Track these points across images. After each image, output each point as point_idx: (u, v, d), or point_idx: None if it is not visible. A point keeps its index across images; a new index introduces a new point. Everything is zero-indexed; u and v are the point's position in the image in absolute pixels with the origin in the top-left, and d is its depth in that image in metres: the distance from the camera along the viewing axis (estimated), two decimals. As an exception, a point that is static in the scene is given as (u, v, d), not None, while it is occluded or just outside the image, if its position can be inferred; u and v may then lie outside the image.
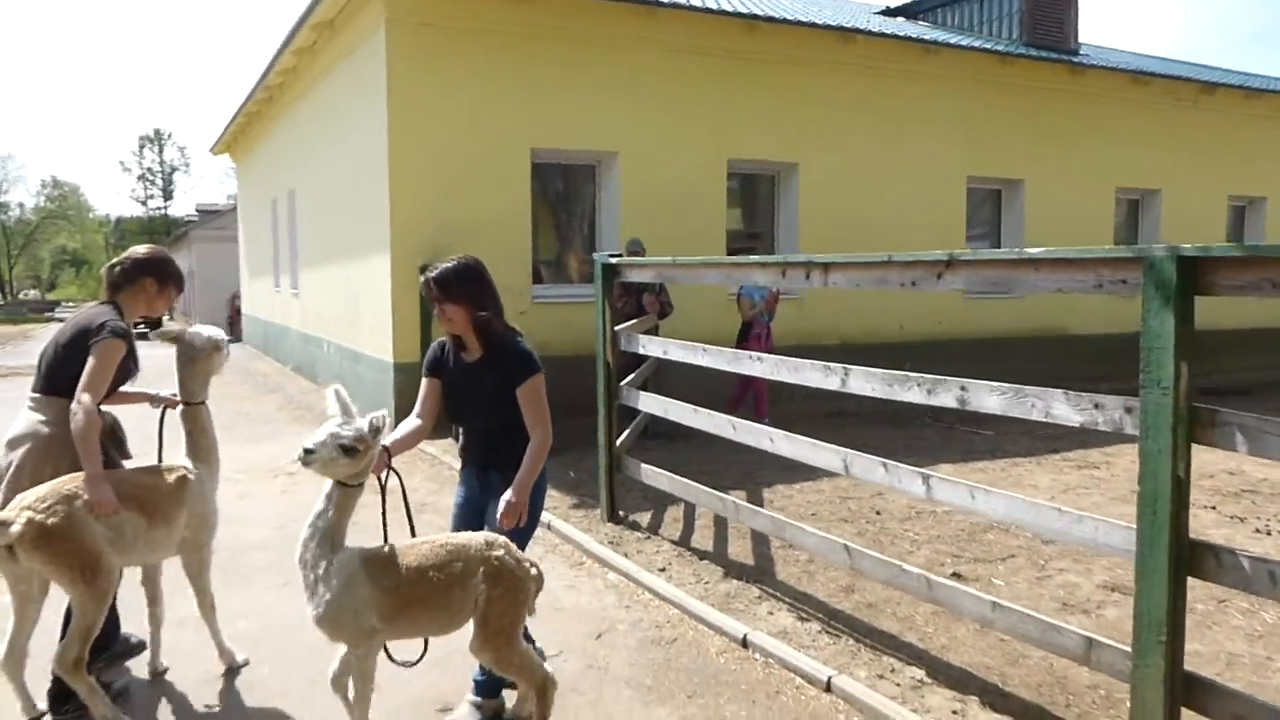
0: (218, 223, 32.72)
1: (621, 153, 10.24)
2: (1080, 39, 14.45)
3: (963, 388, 3.41)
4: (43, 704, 3.43)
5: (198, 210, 43.66)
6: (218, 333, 3.81)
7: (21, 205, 68.53)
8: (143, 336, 3.75)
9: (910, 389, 3.64)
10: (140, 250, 3.78)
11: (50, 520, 3.09)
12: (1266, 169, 14.97)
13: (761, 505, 6.52)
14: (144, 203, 68.13)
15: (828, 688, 3.66)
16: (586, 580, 5.07)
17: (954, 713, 3.45)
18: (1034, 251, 3.09)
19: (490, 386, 3.29)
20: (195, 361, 3.75)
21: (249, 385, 14.08)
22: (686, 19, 10.28)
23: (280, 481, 7.38)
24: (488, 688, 3.43)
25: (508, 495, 3.18)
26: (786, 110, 11.06)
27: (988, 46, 12.35)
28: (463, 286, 3.28)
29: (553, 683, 3.19)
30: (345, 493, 2.96)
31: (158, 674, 3.84)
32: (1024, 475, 7.44)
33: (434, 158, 9.38)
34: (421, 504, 6.45)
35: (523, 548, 3.27)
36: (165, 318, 30.43)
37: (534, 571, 3.16)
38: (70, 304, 55.57)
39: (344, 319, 11.69)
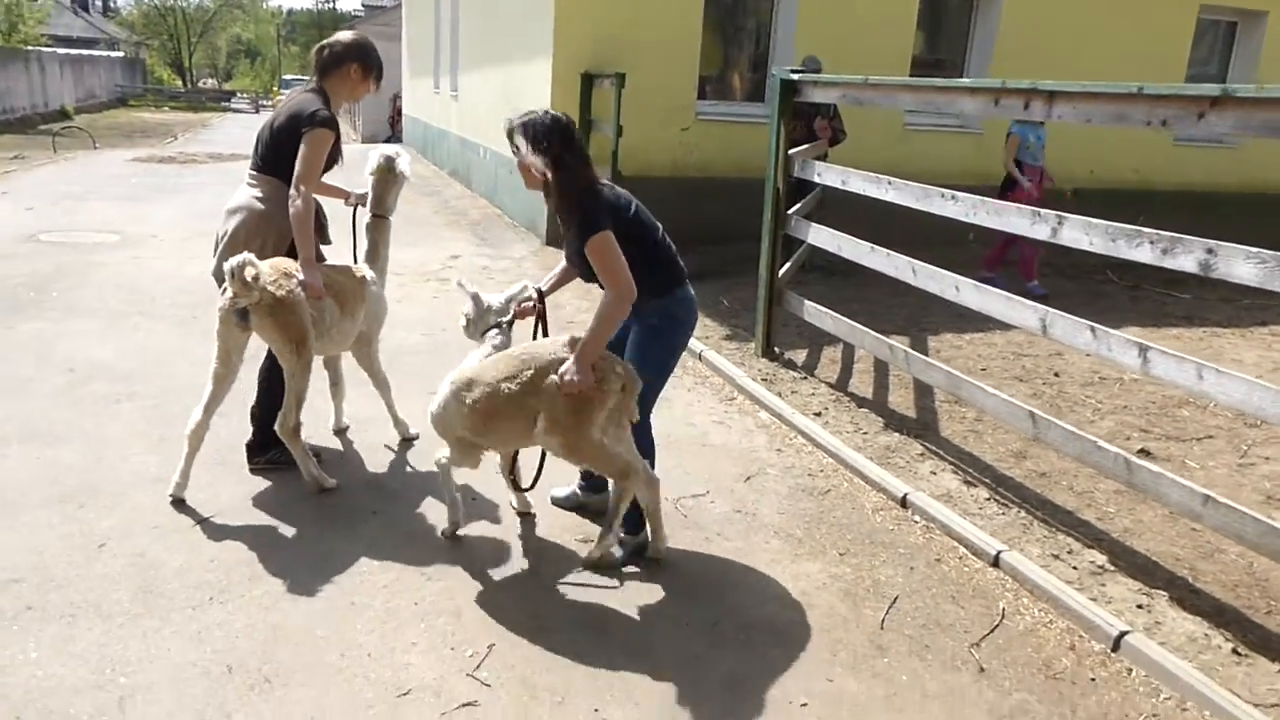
0: (383, 18, 32.50)
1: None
2: None
3: (1209, 250, 2.88)
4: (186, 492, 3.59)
5: (364, 5, 43.60)
6: (405, 161, 4.07)
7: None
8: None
9: (1141, 246, 3.12)
10: (345, 36, 3.84)
11: (281, 293, 3.40)
12: None
13: (926, 354, 6.10)
14: (314, -5, 68.54)
15: (995, 562, 3.38)
16: (737, 418, 4.86)
17: (1139, 606, 3.12)
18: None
19: (573, 247, 3.13)
20: (392, 182, 4.06)
21: (407, 188, 14.17)
22: None
23: (431, 286, 7.38)
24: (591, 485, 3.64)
25: (564, 369, 2.97)
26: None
27: None
28: (541, 142, 3.02)
29: (638, 473, 3.12)
30: None
31: (340, 430, 4.35)
32: (1225, 348, 6.70)
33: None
34: (570, 321, 6.33)
35: (647, 406, 3.24)
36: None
37: (618, 370, 3.03)
38: (244, 95, 57.43)
39: (502, 125, 11.43)
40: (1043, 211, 3.54)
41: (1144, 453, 4.53)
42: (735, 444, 4.50)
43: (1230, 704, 2.56)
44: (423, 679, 2.62)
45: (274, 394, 3.66)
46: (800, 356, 5.88)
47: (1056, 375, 5.73)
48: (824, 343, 6.14)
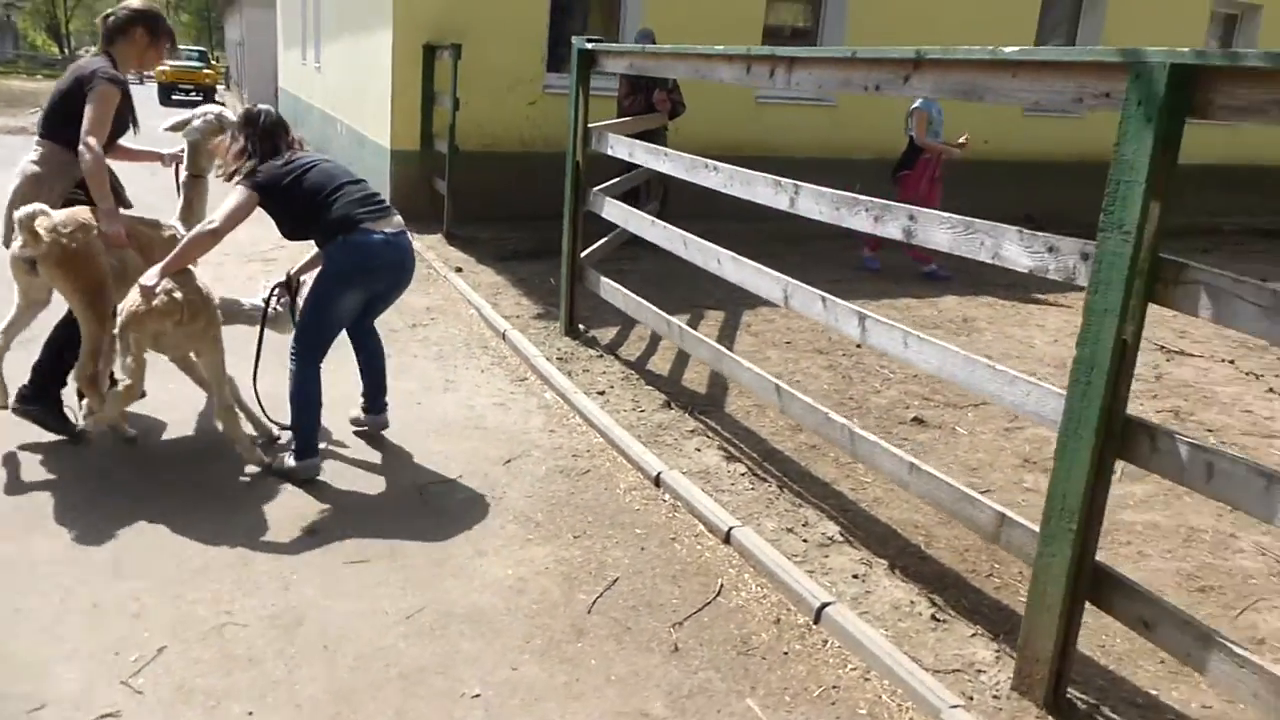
0: (267, -14, 31.32)
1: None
2: None
3: (911, 217, 2.85)
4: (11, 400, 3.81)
5: (249, -28, 41.85)
6: (225, 114, 4.03)
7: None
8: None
9: (858, 214, 3.08)
10: (133, 2, 3.85)
11: (71, 245, 3.41)
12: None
13: (738, 328, 6.09)
14: (201, -39, 65.81)
15: (726, 539, 3.33)
16: (522, 399, 4.74)
17: (855, 576, 3.10)
18: (1009, 51, 2.44)
19: None
20: (200, 141, 4.00)
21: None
22: None
23: (252, 268, 7.08)
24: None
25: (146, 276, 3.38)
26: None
27: None
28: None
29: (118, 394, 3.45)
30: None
31: None
32: (1035, 314, 6.85)
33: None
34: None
35: (305, 343, 3.64)
36: (220, 87, 29.71)
37: (175, 296, 3.34)
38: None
39: (353, 99, 11.08)
40: (783, 181, 3.48)
41: (917, 420, 4.56)
42: (510, 426, 4.38)
43: (908, 672, 2.54)
44: (64, 690, 2.43)
45: (57, 348, 3.75)
46: (609, 334, 5.79)
47: (858, 346, 5.75)
48: (635, 321, 6.04)
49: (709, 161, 4.08)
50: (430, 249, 7.92)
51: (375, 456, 3.98)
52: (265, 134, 3.63)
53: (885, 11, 10.16)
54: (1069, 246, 2.33)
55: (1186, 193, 12.41)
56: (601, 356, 5.30)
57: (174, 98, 29.82)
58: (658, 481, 3.78)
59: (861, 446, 3.17)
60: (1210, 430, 4.67)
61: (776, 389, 3.64)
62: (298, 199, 3.55)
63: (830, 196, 3.19)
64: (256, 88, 28.66)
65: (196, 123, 3.99)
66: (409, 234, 3.86)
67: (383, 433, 4.15)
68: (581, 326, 5.72)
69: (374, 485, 3.71)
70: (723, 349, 4.14)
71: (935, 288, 7.52)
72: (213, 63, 35.84)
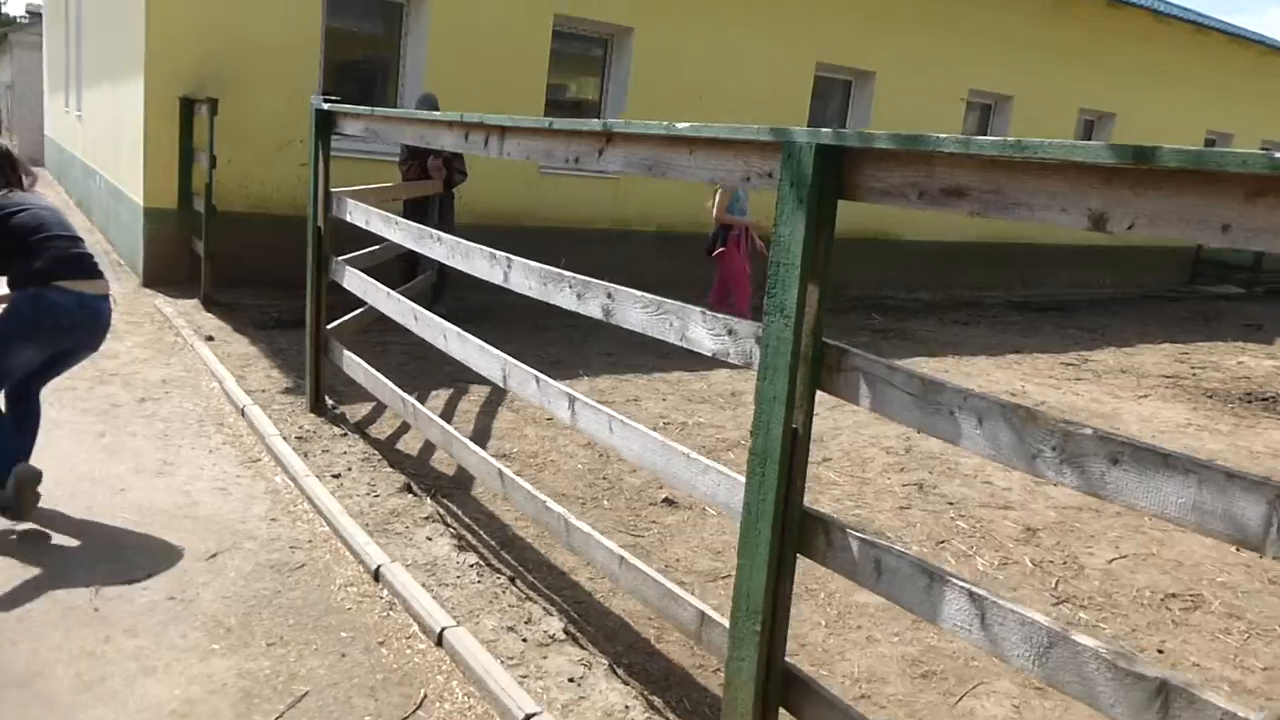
0: (39, 27, 29.20)
1: (430, -4, 9.06)
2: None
3: (609, 295, 2.74)
4: None
5: (27, 10, 38.95)
6: None
7: None
8: None
9: (563, 290, 2.95)
10: None
11: None
12: (1119, 85, 14.73)
13: (502, 404, 5.87)
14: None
15: (439, 640, 3.06)
16: (248, 483, 4.33)
17: (571, 680, 2.89)
18: (682, 127, 2.38)
19: None
20: None
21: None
22: None
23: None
24: None
25: None
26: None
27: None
28: None
29: None
30: None
31: None
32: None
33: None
34: (114, 374, 5.55)
35: None
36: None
37: None
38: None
39: (111, 152, 10.30)
40: (498, 255, 3.32)
41: (668, 502, 4.46)
42: (227, 514, 3.97)
43: (605, 790, 2.35)
44: None
45: None
46: (361, 411, 5.45)
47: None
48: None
49: (434, 232, 3.90)
50: (182, 315, 7.33)
51: (49, 553, 3.49)
52: None
53: (665, 87, 10.41)
54: (745, 329, 2.26)
55: (955, 267, 13.39)
56: (346, 435, 4.95)
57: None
58: (377, 575, 3.48)
59: (576, 537, 3.00)
60: (951, 502, 4.81)
61: (499, 474, 3.44)
62: (2, 236, 3.47)
63: (539, 272, 3.05)
64: (25, 136, 26.55)
65: None
66: (111, 300, 3.79)
67: (65, 524, 3.66)
68: (331, 402, 5.36)
69: (34, 590, 3.22)
70: (452, 430, 3.91)
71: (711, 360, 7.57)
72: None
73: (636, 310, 2.63)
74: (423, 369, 6.30)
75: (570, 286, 2.90)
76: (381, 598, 3.38)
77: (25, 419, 3.77)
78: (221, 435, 4.92)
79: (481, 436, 5.28)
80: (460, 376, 6.28)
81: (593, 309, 2.80)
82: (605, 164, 2.76)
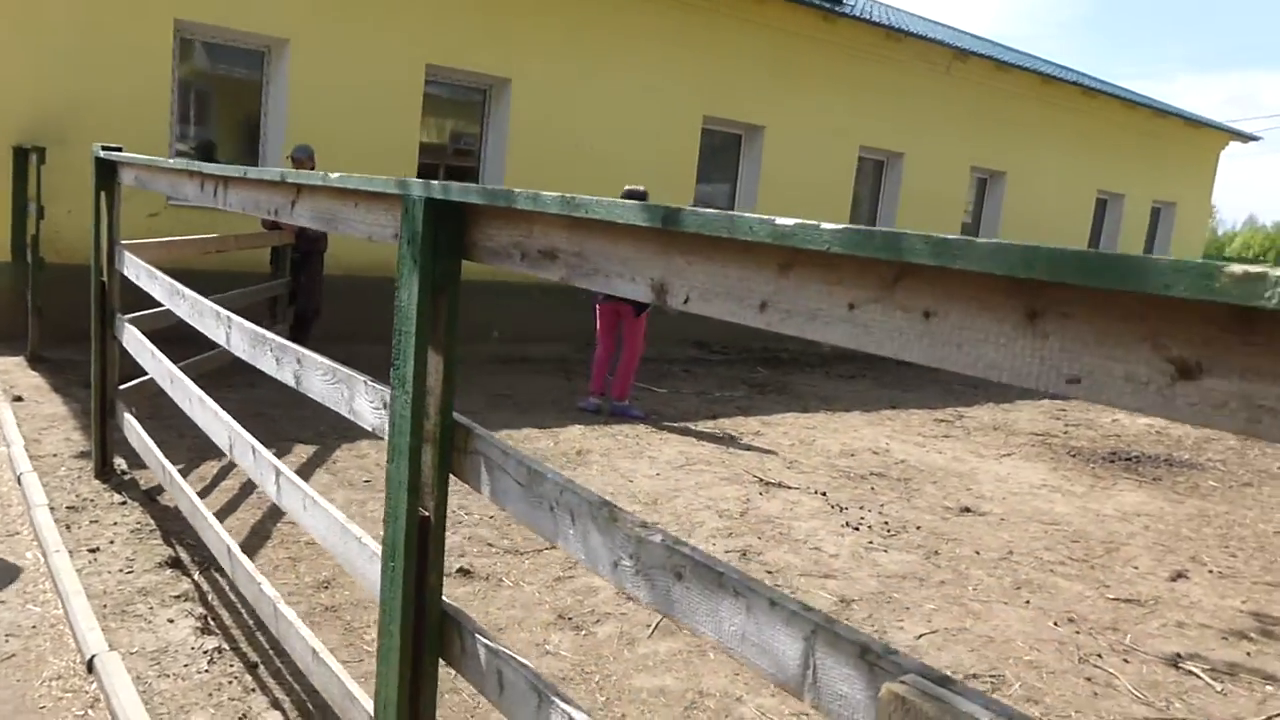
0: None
1: (294, 41, 8.82)
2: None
3: (299, 360, 2.48)
4: None
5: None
6: None
7: None
8: None
9: (266, 354, 2.68)
10: None
11: None
12: (1009, 145, 15.06)
13: (322, 464, 5.55)
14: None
15: (125, 746, 2.72)
16: (-6, 559, 3.94)
17: (263, 791, 2.58)
18: (335, 177, 2.16)
19: None
20: None
21: None
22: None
23: None
24: None
25: None
26: (500, 17, 9.88)
27: (735, -23, 11.52)
28: None
29: None
30: None
31: None
32: (818, 435, 6.78)
33: (42, 16, 7.69)
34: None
35: None
36: None
37: None
38: None
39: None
40: (221, 313, 3.05)
41: (463, 571, 4.18)
42: (-51, 597, 3.57)
43: None
44: None
45: None
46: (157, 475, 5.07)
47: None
48: (209, 455, 5.39)
49: (181, 289, 3.61)
50: (3, 374, 6.87)
51: None
52: None
53: (546, 149, 10.28)
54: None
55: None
56: (125, 504, 4.57)
57: None
58: (90, 666, 3.12)
59: (281, 626, 2.70)
60: (770, 571, 4.59)
61: (228, 552, 3.13)
62: None
63: (250, 335, 2.79)
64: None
65: None
66: None
67: None
68: (122, 468, 4.98)
69: None
70: (199, 503, 3.58)
71: (574, 417, 7.33)
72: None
73: (318, 378, 2.37)
74: (263, 425, 5.94)
75: (271, 350, 2.65)
76: (87, 693, 3.02)
77: None
78: (-12, 505, 4.51)
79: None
80: (294, 434, 5.97)
81: (288, 375, 2.55)
82: (296, 217, 2.52)
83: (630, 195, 7.37)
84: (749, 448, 6.86)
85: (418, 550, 1.86)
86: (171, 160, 3.79)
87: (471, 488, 1.83)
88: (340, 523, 2.37)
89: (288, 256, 7.63)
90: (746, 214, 1.15)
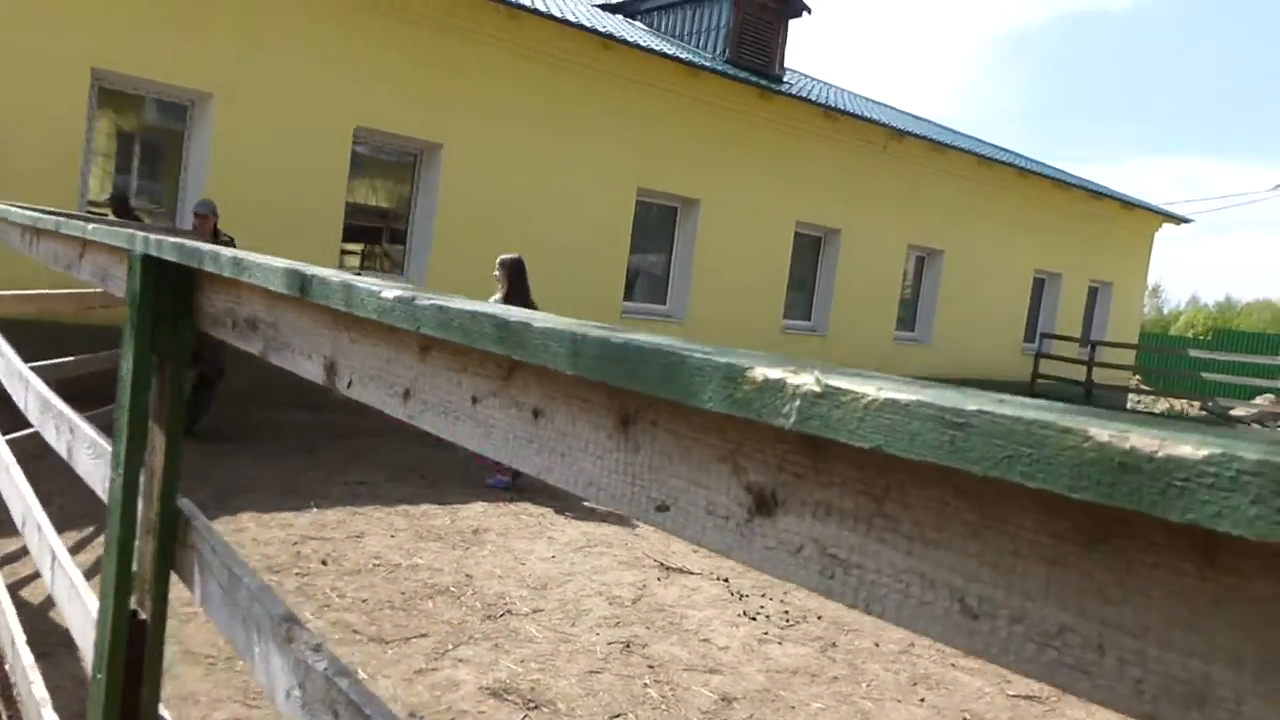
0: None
1: (217, 95, 8.66)
2: (789, 66, 14.19)
3: (71, 430, 2.24)
4: None
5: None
6: None
7: None
8: None
9: (49, 423, 2.44)
10: None
11: None
12: (947, 223, 15.24)
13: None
14: None
15: None
16: None
17: None
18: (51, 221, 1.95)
19: None
20: None
21: None
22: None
23: None
24: None
25: None
26: (431, 81, 9.81)
27: (671, 52, 11.62)
28: None
29: None
30: None
31: None
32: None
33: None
34: None
35: None
36: None
37: None
38: None
39: None
40: (25, 374, 2.79)
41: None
42: None
43: None
44: None
45: None
46: None
47: (324, 563, 5.05)
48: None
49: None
50: None
51: None
52: None
53: (474, 212, 10.16)
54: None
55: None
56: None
57: None
58: None
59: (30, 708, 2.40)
60: (652, 665, 4.32)
61: (11, 642, 2.82)
62: None
63: (39, 400, 2.54)
64: None
65: None
66: None
67: None
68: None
69: None
70: None
71: (481, 493, 7.04)
72: None
73: (85, 453, 2.13)
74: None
75: (53, 419, 2.39)
76: None
77: None
78: None
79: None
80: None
81: (62, 446, 2.30)
82: (84, 273, 2.30)
83: (503, 265, 7.21)
84: (655, 530, 6.61)
85: (126, 659, 1.61)
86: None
87: (187, 588, 1.59)
88: (94, 618, 2.10)
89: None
90: (366, 283, 0.96)
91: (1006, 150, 18.16)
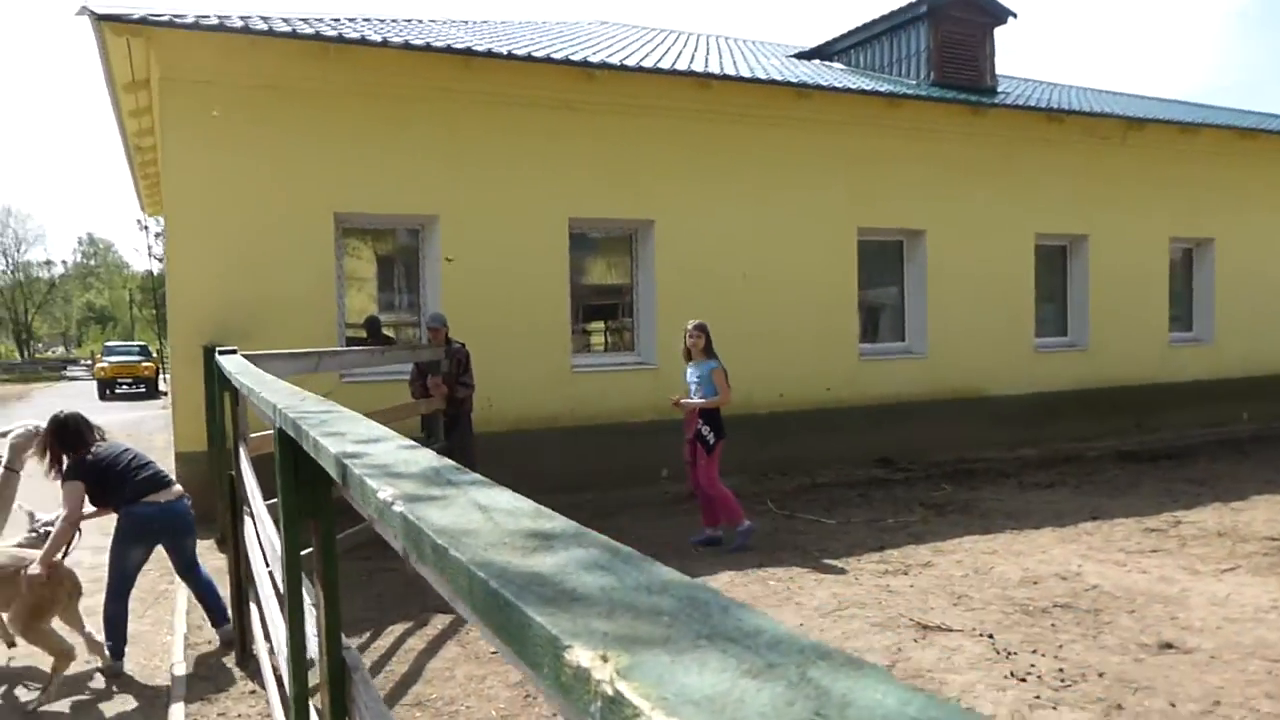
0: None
1: (443, 215, 9.39)
2: (1007, 74, 13.49)
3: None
4: None
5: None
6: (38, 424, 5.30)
7: (56, 262, 69.67)
8: None
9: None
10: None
11: None
12: (1211, 208, 13.72)
13: (451, 637, 5.50)
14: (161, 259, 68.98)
15: None
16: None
17: None
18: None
19: None
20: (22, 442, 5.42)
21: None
22: (510, 69, 9.45)
23: None
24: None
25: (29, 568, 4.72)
26: (637, 163, 10.13)
27: (869, 87, 11.33)
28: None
29: (67, 655, 4.70)
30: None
31: None
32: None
33: (219, 227, 8.59)
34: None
35: (109, 585, 5.06)
36: (164, 375, 29.54)
37: (68, 580, 4.90)
38: (85, 361, 55.81)
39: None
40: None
41: None
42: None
43: None
44: None
45: None
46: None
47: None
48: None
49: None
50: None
51: None
52: (72, 435, 5.05)
53: (696, 279, 10.29)
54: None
55: (1057, 418, 12.34)
56: (257, 691, 4.68)
57: (116, 391, 30.24)
58: None
59: None
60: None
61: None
62: (101, 480, 4.97)
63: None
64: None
65: (16, 430, 5.43)
66: (187, 498, 5.25)
67: None
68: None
69: None
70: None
71: (726, 560, 6.99)
72: (153, 355, 36.67)
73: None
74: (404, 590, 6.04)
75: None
76: None
77: (200, 590, 5.37)
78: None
79: (411, 676, 4.92)
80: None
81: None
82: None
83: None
84: (914, 584, 6.26)
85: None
86: (268, 352, 3.96)
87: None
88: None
89: (440, 423, 7.89)
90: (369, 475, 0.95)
91: (1270, 116, 16.16)
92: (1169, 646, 5.03)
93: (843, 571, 6.61)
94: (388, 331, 9.84)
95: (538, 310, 9.59)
